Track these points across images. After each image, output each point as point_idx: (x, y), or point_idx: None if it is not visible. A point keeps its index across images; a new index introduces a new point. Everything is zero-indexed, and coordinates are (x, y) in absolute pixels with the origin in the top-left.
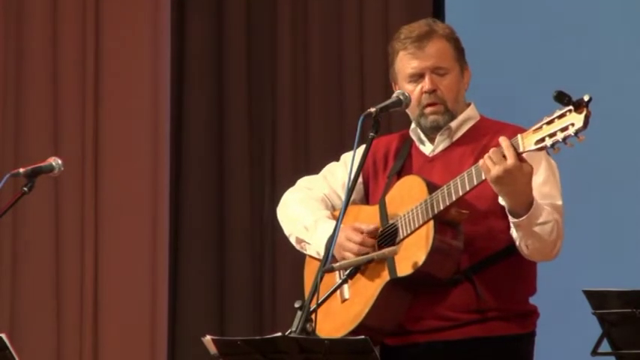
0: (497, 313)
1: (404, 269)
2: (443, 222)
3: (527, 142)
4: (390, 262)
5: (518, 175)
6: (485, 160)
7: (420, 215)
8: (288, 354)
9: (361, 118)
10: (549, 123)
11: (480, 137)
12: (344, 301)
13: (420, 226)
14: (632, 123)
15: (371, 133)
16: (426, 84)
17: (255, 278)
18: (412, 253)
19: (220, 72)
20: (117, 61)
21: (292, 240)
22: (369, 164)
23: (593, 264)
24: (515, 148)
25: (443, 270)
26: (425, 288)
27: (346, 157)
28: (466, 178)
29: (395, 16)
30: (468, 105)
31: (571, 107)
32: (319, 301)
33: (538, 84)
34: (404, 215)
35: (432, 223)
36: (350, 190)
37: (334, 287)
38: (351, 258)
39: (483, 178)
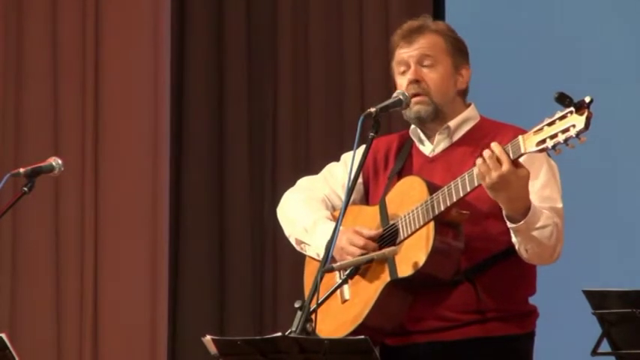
0: (497, 313)
1: (404, 270)
2: (443, 223)
3: (529, 143)
4: (390, 262)
5: (514, 180)
6: (480, 167)
7: (420, 216)
8: (288, 354)
9: (361, 118)
10: (550, 124)
11: (481, 138)
12: (344, 301)
13: (420, 227)
14: (632, 123)
15: (371, 133)
16: (410, 74)
17: (255, 278)
18: (413, 254)
19: (220, 72)
20: (117, 61)
21: (292, 241)
22: (370, 164)
23: (593, 264)
24: (507, 154)
25: (443, 271)
26: (425, 288)
27: (346, 157)
28: (467, 179)
29: (395, 16)
30: (469, 105)
31: (572, 109)
32: (319, 301)
33: (538, 84)
34: (404, 216)
35: (432, 223)
36: (350, 191)
37: (334, 287)
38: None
39: None
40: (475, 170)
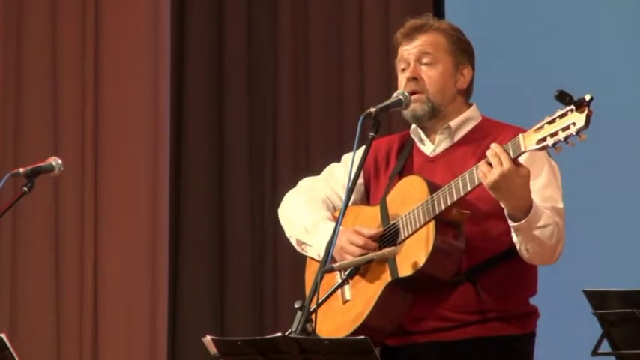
0: (497, 313)
1: (405, 270)
2: (444, 222)
3: (529, 141)
4: (391, 262)
5: (515, 179)
6: (481, 167)
7: (421, 216)
8: (288, 354)
9: (361, 118)
10: (551, 122)
11: (482, 138)
12: (345, 302)
13: (421, 227)
14: (632, 122)
15: (371, 133)
16: (408, 71)
17: (255, 278)
18: (413, 254)
19: (220, 72)
20: (117, 61)
21: (293, 242)
22: (371, 164)
23: (593, 264)
24: (508, 153)
25: (444, 270)
26: (426, 288)
27: (347, 157)
28: (467, 179)
29: (395, 16)
30: (470, 105)
31: (572, 107)
32: (319, 301)
33: (538, 84)
34: (405, 216)
35: (433, 223)
36: (350, 191)
37: (334, 287)
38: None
39: None
40: (475, 170)
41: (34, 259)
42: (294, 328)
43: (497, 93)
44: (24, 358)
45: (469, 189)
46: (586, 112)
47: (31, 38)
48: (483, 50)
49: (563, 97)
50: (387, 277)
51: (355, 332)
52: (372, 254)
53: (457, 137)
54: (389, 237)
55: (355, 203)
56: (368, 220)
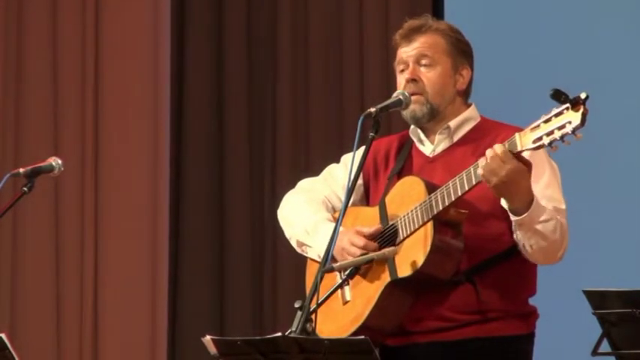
0: (497, 314)
1: (404, 270)
2: (442, 222)
3: (525, 140)
4: (390, 263)
5: (518, 177)
6: (484, 169)
7: (419, 216)
8: (288, 354)
9: (361, 118)
10: (547, 121)
11: (481, 138)
12: (346, 302)
13: (419, 227)
14: (632, 122)
15: (371, 133)
16: (407, 73)
17: (255, 278)
18: (412, 254)
19: (220, 72)
20: (117, 61)
21: (293, 243)
22: (370, 165)
23: (593, 264)
24: (511, 152)
25: (443, 270)
26: (425, 288)
27: (346, 158)
28: (465, 178)
29: (395, 16)
30: (469, 106)
31: (568, 105)
32: (319, 302)
33: (538, 84)
34: (403, 216)
35: (431, 223)
36: (349, 192)
37: (334, 287)
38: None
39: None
40: (473, 169)
41: (34, 259)
42: (294, 328)
43: (496, 93)
44: (24, 358)
45: (467, 189)
46: (582, 110)
47: (31, 38)
48: (482, 50)
49: (559, 96)
50: (386, 278)
51: (355, 333)
52: (372, 254)
53: (456, 137)
54: (388, 237)
55: (354, 204)
56: (367, 221)
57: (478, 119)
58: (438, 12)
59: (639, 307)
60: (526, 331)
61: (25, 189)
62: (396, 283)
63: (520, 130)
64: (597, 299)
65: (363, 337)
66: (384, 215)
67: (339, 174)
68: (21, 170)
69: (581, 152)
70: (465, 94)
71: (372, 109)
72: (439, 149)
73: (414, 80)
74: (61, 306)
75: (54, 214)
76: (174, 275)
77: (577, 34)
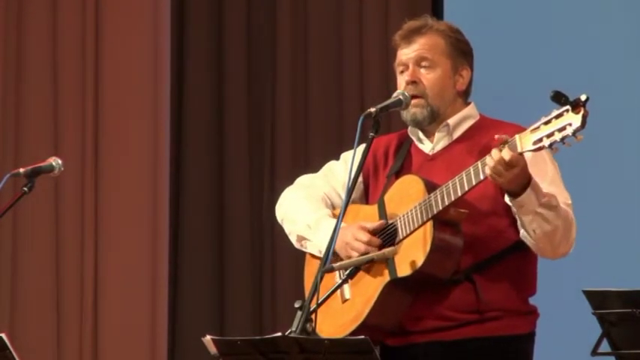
0: (497, 313)
1: (404, 270)
2: (442, 222)
3: (525, 142)
4: (390, 262)
5: (521, 174)
6: (492, 170)
7: (418, 215)
8: (288, 354)
9: (361, 118)
10: (547, 123)
11: (481, 136)
12: (345, 301)
13: (419, 227)
14: (632, 122)
15: (371, 133)
16: (407, 75)
17: (255, 278)
18: (412, 254)
19: (220, 72)
20: (117, 61)
21: (292, 238)
22: (370, 163)
23: (593, 264)
24: (521, 154)
25: (443, 270)
26: (425, 288)
27: (346, 155)
28: (464, 178)
29: (394, 16)
30: (468, 104)
31: (568, 107)
32: (319, 301)
33: (538, 84)
34: (403, 215)
35: (430, 223)
36: (350, 191)
37: (334, 287)
38: (355, 257)
39: (482, 177)
40: (473, 169)
41: (34, 259)
42: (294, 328)
43: (495, 93)
44: (24, 358)
45: (466, 189)
46: (582, 112)
47: (31, 38)
48: (482, 50)
49: (559, 98)
50: (386, 277)
51: (355, 332)
52: (372, 254)
53: (456, 135)
54: (387, 237)
55: (354, 202)
56: (367, 219)
57: (477, 117)
58: (437, 12)
59: (639, 307)
60: (526, 330)
61: (25, 189)
62: (395, 283)
63: (519, 127)
64: (597, 299)
65: (363, 336)
66: (382, 214)
67: (338, 171)
68: (21, 170)
69: (581, 152)
70: (464, 94)
71: (372, 109)
72: (438, 147)
73: (414, 82)
74: (61, 306)
75: (54, 214)
76: (174, 275)
77: (577, 34)
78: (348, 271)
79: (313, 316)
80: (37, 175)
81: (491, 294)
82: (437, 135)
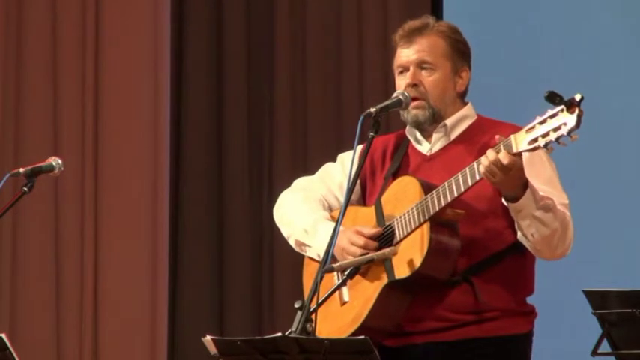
0: (495, 313)
1: (401, 271)
2: (439, 223)
3: (521, 142)
4: (387, 264)
5: (516, 175)
6: (487, 169)
7: (415, 217)
8: (288, 354)
9: (361, 118)
10: (542, 123)
11: (479, 136)
12: (344, 303)
13: (416, 228)
14: (631, 122)
15: (371, 133)
16: (408, 77)
17: (255, 278)
18: (409, 255)
19: (220, 72)
20: (117, 61)
21: (291, 242)
22: (367, 165)
23: (593, 264)
24: (517, 154)
25: (441, 271)
26: (423, 289)
27: (342, 157)
28: (460, 179)
29: (394, 16)
30: (465, 104)
31: (563, 107)
32: (319, 302)
33: (537, 84)
34: (400, 217)
35: (427, 224)
36: (350, 191)
37: (334, 287)
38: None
39: (478, 178)
40: (469, 170)
41: (34, 259)
42: (294, 328)
43: (494, 93)
44: (24, 358)
45: (462, 190)
46: (577, 112)
47: (31, 38)
48: (481, 50)
49: (553, 98)
50: (384, 279)
51: (354, 334)
52: (372, 254)
53: (453, 135)
54: (385, 238)
55: (352, 204)
56: (365, 221)
57: (475, 117)
58: (437, 12)
59: (639, 307)
60: (524, 330)
61: (25, 189)
62: (393, 284)
63: (517, 127)
64: (597, 299)
65: (363, 336)
66: (380, 216)
67: (335, 173)
68: (21, 170)
69: (580, 152)
70: (463, 95)
71: (372, 109)
72: (436, 148)
73: (415, 85)
74: (61, 306)
75: (54, 214)
76: (174, 275)
77: (577, 33)
78: (347, 273)
79: (313, 316)
80: (37, 175)
81: (490, 294)
82: (434, 136)
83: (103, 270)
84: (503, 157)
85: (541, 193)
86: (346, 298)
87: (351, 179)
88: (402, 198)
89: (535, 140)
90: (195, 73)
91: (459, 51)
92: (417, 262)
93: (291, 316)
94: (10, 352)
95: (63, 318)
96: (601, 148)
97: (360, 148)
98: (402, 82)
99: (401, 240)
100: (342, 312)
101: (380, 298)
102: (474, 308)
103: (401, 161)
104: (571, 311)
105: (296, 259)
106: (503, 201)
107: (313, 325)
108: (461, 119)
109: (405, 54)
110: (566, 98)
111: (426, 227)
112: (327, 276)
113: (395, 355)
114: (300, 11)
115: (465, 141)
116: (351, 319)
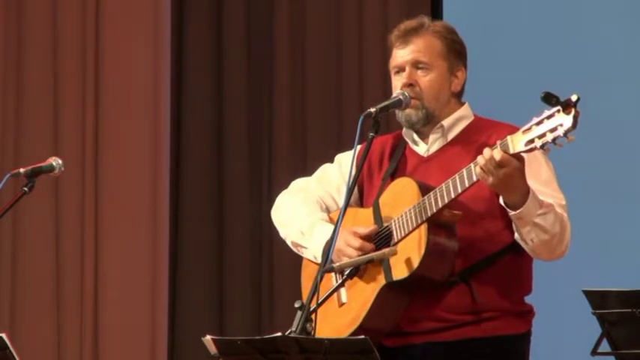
0: (492, 313)
1: (399, 273)
2: (436, 224)
3: (517, 143)
4: (385, 265)
5: (516, 174)
6: (482, 168)
7: (412, 218)
8: (288, 354)
9: (361, 118)
10: (538, 124)
11: (476, 136)
12: (342, 304)
13: (413, 230)
14: (631, 122)
15: (371, 133)
16: (403, 77)
17: (255, 278)
18: (407, 257)
19: (220, 72)
20: (117, 61)
21: (288, 243)
22: (365, 166)
23: (593, 264)
24: (513, 154)
25: (438, 272)
26: (421, 290)
27: (340, 158)
28: (457, 180)
29: (393, 16)
30: (462, 104)
31: (559, 108)
32: (319, 302)
33: (536, 84)
34: (397, 218)
35: (425, 225)
36: (350, 191)
37: (333, 288)
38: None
39: (475, 179)
40: (466, 171)
41: (34, 259)
42: (294, 328)
43: (494, 93)
44: (24, 358)
45: (460, 191)
46: (573, 113)
47: (31, 37)
48: (480, 50)
49: (550, 99)
50: (381, 280)
51: (352, 335)
52: (372, 254)
53: (450, 136)
54: (382, 240)
55: (350, 205)
56: (364, 222)
57: (472, 118)
58: (436, 12)
59: (639, 307)
60: (522, 330)
61: (25, 189)
62: (391, 285)
63: (514, 127)
64: (597, 299)
65: (363, 336)
66: (377, 217)
67: (333, 174)
68: (21, 170)
69: (580, 152)
70: (459, 95)
71: (372, 109)
72: (433, 149)
73: (410, 85)
74: (61, 305)
75: (54, 214)
76: (174, 275)
77: (576, 34)
78: (346, 273)
79: (313, 316)
80: (37, 175)
81: (487, 295)
82: (431, 137)
83: (103, 270)
84: (497, 154)
85: (540, 197)
86: (344, 299)
87: (351, 180)
88: (400, 199)
89: (532, 141)
90: (195, 73)
91: (455, 51)
92: (415, 264)
93: (291, 316)
94: (10, 351)
95: (63, 318)
96: (601, 148)
97: (359, 147)
98: (398, 83)
99: (398, 241)
100: (340, 313)
101: (378, 299)
102: (471, 309)
103: (398, 162)
104: (571, 311)
105: (296, 259)
106: (503, 205)
107: (313, 325)
108: (458, 120)
109: (401, 54)
110: (562, 99)
111: (423, 228)
112: (325, 278)
113: (393, 355)
114: (300, 11)
115: (462, 142)
116: (350, 321)
